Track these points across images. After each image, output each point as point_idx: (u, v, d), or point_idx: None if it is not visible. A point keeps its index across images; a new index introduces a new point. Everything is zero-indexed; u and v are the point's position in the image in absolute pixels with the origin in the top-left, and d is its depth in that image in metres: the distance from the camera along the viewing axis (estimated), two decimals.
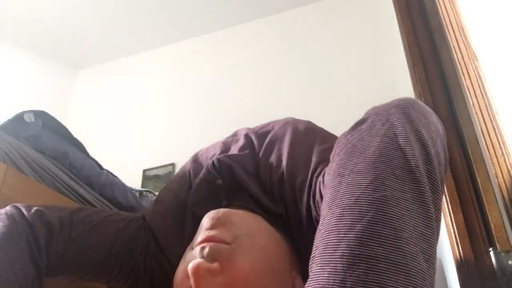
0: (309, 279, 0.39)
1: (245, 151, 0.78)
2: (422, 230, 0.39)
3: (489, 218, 0.84)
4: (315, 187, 0.64)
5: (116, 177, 1.28)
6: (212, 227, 0.60)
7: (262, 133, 0.83)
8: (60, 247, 0.67)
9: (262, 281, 0.56)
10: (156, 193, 1.61)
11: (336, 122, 2.81)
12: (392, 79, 2.50)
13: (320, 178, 0.62)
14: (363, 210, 0.40)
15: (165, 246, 0.73)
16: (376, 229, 0.38)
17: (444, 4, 1.12)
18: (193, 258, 0.57)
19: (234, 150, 0.80)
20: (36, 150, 1.04)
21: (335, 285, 0.36)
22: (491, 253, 0.82)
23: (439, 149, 0.47)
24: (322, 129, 0.86)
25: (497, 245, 0.81)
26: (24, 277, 0.58)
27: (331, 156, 0.54)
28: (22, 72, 3.38)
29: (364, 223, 0.39)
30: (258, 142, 0.80)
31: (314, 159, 0.69)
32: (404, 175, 0.42)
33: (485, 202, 0.86)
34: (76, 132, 1.24)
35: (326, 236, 0.40)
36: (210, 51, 3.32)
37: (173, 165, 2.88)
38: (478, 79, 0.90)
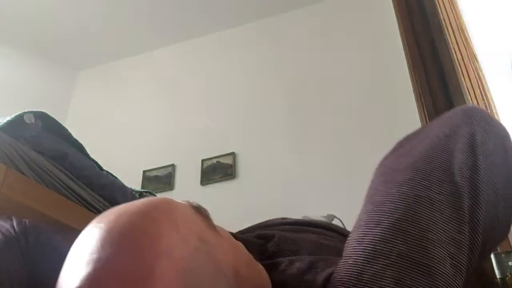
0: (335, 270, 0.40)
1: None
2: (454, 235, 0.38)
3: None
4: None
5: (116, 178, 1.28)
6: None
7: None
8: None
9: None
10: (156, 194, 1.61)
11: (336, 122, 2.82)
12: (392, 79, 2.50)
13: None
14: (392, 208, 0.39)
15: None
16: (403, 226, 0.38)
17: (444, 5, 1.12)
18: None
19: None
20: (36, 151, 1.04)
21: (352, 277, 0.36)
22: (491, 254, 0.82)
23: (495, 158, 0.44)
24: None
25: (497, 246, 0.80)
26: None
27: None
28: (22, 73, 3.38)
29: (392, 220, 0.38)
30: None
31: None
32: (444, 177, 0.41)
33: None
34: (76, 133, 1.24)
35: (355, 230, 0.41)
36: (210, 53, 3.32)
37: (173, 166, 2.88)
38: (478, 80, 0.91)
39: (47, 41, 3.35)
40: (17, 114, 1.04)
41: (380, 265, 0.36)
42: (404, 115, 2.19)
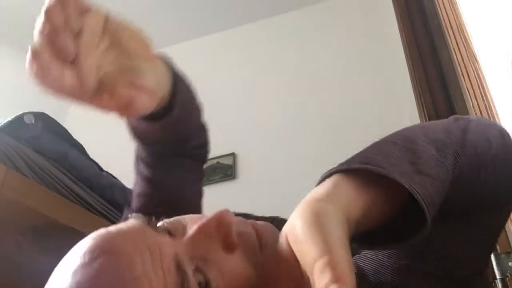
0: None
1: None
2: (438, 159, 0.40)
3: None
4: None
5: (116, 178, 1.28)
6: None
7: None
8: None
9: None
10: None
11: (335, 122, 2.82)
12: (392, 80, 2.50)
13: None
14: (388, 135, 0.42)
15: None
16: (395, 133, 0.41)
17: (444, 5, 1.12)
18: None
19: None
20: (36, 151, 1.04)
21: (342, 163, 0.39)
22: (491, 255, 0.82)
23: (488, 131, 0.44)
24: None
25: (497, 247, 0.80)
26: None
27: None
28: (22, 73, 3.38)
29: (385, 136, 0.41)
30: None
31: None
32: (439, 129, 0.43)
33: None
34: (76, 134, 1.24)
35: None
36: (210, 54, 3.32)
37: None
38: (478, 80, 0.90)
39: None
40: (17, 114, 1.04)
41: (369, 147, 0.39)
42: (404, 115, 2.19)
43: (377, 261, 0.44)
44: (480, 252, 0.44)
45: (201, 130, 0.65)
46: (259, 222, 0.42)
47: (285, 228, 0.32)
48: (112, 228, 0.35)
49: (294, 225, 0.30)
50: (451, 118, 0.46)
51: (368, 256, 0.44)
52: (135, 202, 0.63)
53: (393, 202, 0.37)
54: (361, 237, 0.37)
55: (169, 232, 0.36)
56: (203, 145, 0.67)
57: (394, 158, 0.36)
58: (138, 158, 0.63)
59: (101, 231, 0.35)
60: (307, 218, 0.30)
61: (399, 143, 0.39)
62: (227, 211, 0.36)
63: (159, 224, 0.37)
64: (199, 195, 0.67)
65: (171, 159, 0.62)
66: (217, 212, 0.36)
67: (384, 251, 0.43)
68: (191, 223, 0.38)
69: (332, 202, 0.32)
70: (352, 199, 0.34)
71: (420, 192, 0.33)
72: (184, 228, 0.38)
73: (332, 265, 0.27)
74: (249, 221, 0.41)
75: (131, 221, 0.36)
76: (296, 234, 0.30)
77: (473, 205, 0.43)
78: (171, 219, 0.39)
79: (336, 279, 0.26)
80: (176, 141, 0.61)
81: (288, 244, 0.31)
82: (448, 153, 0.40)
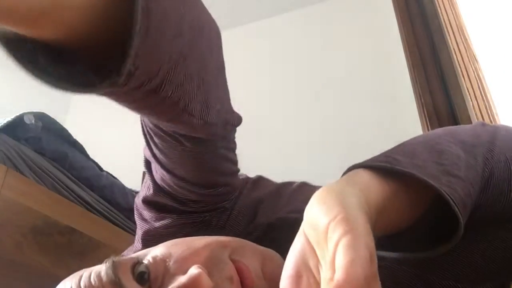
0: None
1: None
2: (467, 160, 0.36)
3: None
4: None
5: (116, 178, 1.28)
6: None
7: None
8: None
9: None
10: None
11: (335, 121, 2.82)
12: (391, 80, 2.50)
13: None
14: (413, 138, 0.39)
15: None
16: (421, 137, 0.38)
17: (444, 6, 1.12)
18: None
19: None
20: (36, 151, 1.04)
21: (368, 159, 0.35)
22: None
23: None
24: None
25: None
26: None
27: None
28: (22, 73, 3.37)
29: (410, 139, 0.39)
30: None
31: None
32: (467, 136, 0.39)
33: None
34: (76, 134, 1.24)
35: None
36: None
37: None
38: (478, 80, 0.91)
39: None
40: (17, 114, 1.04)
41: (390, 150, 0.35)
42: (404, 115, 2.19)
43: (391, 268, 0.42)
44: (505, 266, 0.41)
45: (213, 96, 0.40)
46: (260, 250, 0.38)
47: (303, 222, 0.28)
48: (81, 284, 0.34)
49: (308, 209, 0.27)
50: (478, 122, 0.44)
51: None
52: (156, 178, 0.54)
53: (416, 204, 0.33)
54: (384, 243, 0.34)
55: (149, 276, 0.35)
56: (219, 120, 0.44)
57: (418, 159, 0.34)
58: (145, 132, 0.51)
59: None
60: (321, 194, 0.27)
61: (424, 144, 0.37)
62: (199, 275, 0.32)
63: (144, 262, 0.35)
64: (233, 162, 0.58)
65: (181, 146, 0.46)
66: (189, 277, 0.33)
67: (399, 258, 0.40)
68: (175, 266, 0.36)
69: (350, 185, 0.30)
70: (372, 185, 0.31)
71: (451, 195, 0.30)
72: (165, 273, 0.35)
73: (345, 220, 0.23)
74: (240, 263, 0.36)
75: (103, 274, 0.34)
76: (310, 213, 0.27)
77: (504, 215, 0.40)
78: (158, 255, 0.37)
79: (349, 230, 0.23)
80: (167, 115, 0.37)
81: (307, 240, 0.27)
82: (477, 155, 0.37)
